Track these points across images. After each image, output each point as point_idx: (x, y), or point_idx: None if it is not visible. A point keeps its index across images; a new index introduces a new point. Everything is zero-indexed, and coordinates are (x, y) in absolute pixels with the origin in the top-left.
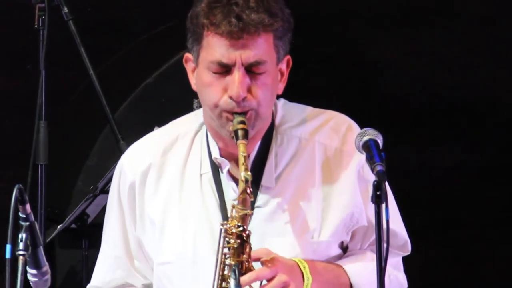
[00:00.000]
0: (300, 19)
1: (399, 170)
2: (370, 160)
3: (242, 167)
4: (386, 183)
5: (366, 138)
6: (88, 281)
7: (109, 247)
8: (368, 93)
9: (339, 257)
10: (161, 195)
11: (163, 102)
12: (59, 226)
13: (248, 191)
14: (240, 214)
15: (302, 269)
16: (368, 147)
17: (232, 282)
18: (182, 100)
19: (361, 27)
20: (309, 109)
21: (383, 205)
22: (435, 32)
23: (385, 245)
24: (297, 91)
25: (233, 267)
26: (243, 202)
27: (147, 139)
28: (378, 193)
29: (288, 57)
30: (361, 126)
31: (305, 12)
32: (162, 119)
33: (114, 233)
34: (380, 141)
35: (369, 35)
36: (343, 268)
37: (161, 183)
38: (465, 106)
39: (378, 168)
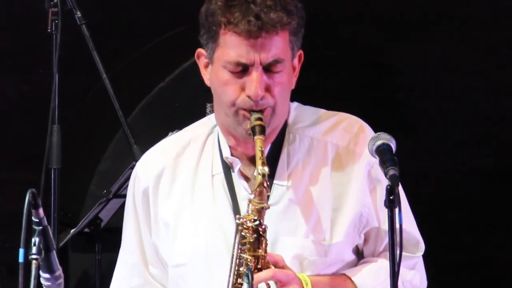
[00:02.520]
0: (313, 23)
1: (411, 174)
2: (383, 164)
3: (259, 161)
4: (400, 186)
5: (379, 142)
6: (101, 285)
7: (126, 254)
8: (380, 97)
9: (353, 263)
10: (174, 198)
11: (177, 106)
12: (72, 230)
13: (265, 184)
14: (257, 207)
15: (305, 285)
16: (381, 152)
17: (245, 286)
18: (195, 104)
19: (373, 31)
20: (322, 111)
21: (396, 210)
22: (447, 37)
23: (398, 251)
24: (309, 94)
25: (246, 271)
26: (260, 195)
27: (160, 144)
28: (391, 197)
29: (301, 51)
30: (374, 130)
31: (318, 16)
32: (176, 123)
33: (130, 240)
34: (393, 145)
35: (381, 39)
36: (352, 282)
37: (174, 186)
38: (478, 110)
39: (391, 172)
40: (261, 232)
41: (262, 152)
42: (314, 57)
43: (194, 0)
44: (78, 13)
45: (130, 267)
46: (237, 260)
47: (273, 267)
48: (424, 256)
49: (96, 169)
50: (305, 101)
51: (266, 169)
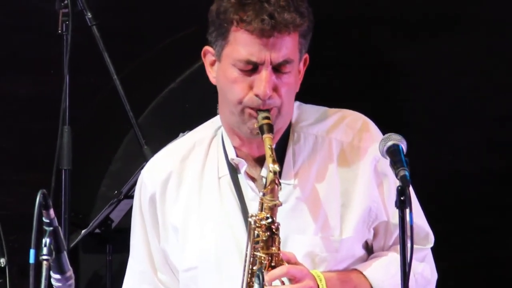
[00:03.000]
0: (322, 23)
1: (422, 175)
2: (394, 165)
3: (269, 159)
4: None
5: (390, 143)
6: (112, 286)
7: (135, 262)
8: (390, 98)
9: (364, 258)
10: (181, 202)
11: (187, 107)
12: (83, 231)
13: (277, 181)
14: (269, 205)
15: (318, 281)
16: (392, 152)
17: (256, 287)
18: (206, 105)
19: (383, 32)
20: (324, 109)
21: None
22: (455, 37)
23: (409, 245)
24: (317, 95)
25: (257, 272)
26: (271, 192)
27: (164, 150)
28: (402, 198)
29: (306, 55)
30: (384, 131)
31: (327, 17)
32: (186, 124)
33: (138, 247)
34: (404, 146)
35: (391, 40)
36: (363, 276)
37: (181, 190)
38: (488, 111)
39: (402, 173)
40: (274, 230)
41: (272, 149)
42: (323, 58)
43: (204, 1)
44: (89, 14)
45: (139, 275)
46: (251, 258)
47: (286, 264)
48: (435, 256)
49: (107, 170)
50: (313, 101)
51: (277, 166)
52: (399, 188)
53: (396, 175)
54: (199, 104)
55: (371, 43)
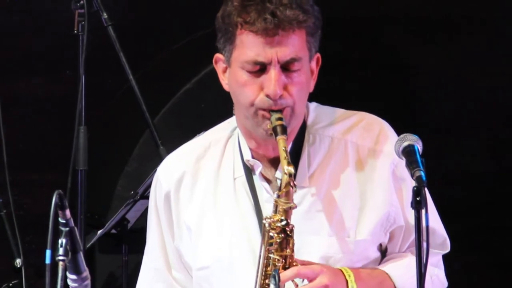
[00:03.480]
0: (336, 24)
1: (438, 175)
2: (410, 165)
3: (284, 161)
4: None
5: (405, 143)
6: (128, 286)
7: (149, 260)
8: (405, 99)
9: (378, 260)
10: (196, 201)
11: (203, 107)
12: (99, 232)
13: (292, 183)
14: (284, 207)
15: (347, 277)
16: (408, 153)
17: (272, 287)
18: (222, 106)
19: (397, 33)
20: (341, 111)
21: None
22: (471, 38)
23: (425, 245)
24: (332, 95)
25: (273, 273)
26: (286, 195)
27: (180, 149)
28: (418, 198)
29: (318, 55)
30: (399, 132)
31: (342, 17)
32: (202, 125)
33: (153, 245)
34: (419, 146)
35: (406, 40)
36: (386, 273)
37: (196, 190)
38: (503, 111)
39: (418, 173)
40: (288, 232)
41: (286, 151)
42: (339, 58)
43: (219, 2)
44: (105, 14)
45: (154, 272)
46: (265, 260)
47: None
48: (452, 257)
49: (123, 170)
50: (329, 102)
51: (292, 168)
52: (415, 188)
53: (412, 176)
54: (215, 104)
55: (385, 43)
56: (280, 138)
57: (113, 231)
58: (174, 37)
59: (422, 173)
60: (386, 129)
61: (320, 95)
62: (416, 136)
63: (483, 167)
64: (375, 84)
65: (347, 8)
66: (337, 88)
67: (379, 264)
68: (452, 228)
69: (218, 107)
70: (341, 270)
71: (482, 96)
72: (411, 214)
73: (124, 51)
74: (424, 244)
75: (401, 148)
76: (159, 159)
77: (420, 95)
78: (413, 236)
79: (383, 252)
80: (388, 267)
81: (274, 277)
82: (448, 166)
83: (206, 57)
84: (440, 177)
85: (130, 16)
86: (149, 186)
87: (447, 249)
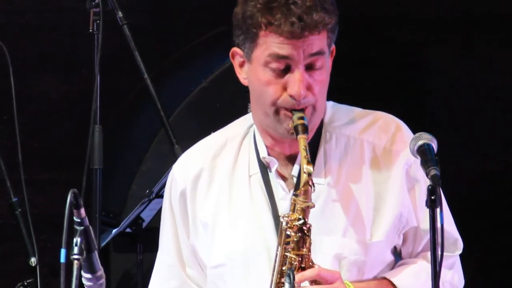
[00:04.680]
0: (352, 23)
1: (452, 174)
2: (424, 164)
3: (304, 160)
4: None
5: (420, 142)
6: (143, 285)
7: (163, 256)
8: (420, 97)
9: (392, 264)
10: (211, 199)
11: (218, 106)
12: (114, 231)
13: (311, 182)
14: (302, 206)
15: None
16: (422, 152)
17: (287, 286)
18: (236, 104)
19: (413, 31)
20: (358, 110)
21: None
22: (487, 36)
23: (439, 251)
24: (348, 94)
25: (288, 272)
26: (305, 193)
27: (196, 146)
28: (432, 197)
29: (333, 47)
30: (414, 131)
31: (358, 16)
32: (217, 123)
33: (167, 242)
34: (434, 145)
35: (421, 39)
36: (393, 285)
37: (212, 187)
38: None
39: (433, 172)
40: (305, 231)
41: (306, 150)
42: (355, 57)
43: (234, 1)
44: (120, 13)
45: (168, 269)
46: (281, 258)
47: (316, 266)
48: (464, 255)
49: (138, 169)
50: (344, 101)
51: (311, 168)
52: (430, 187)
53: (427, 174)
54: (230, 103)
55: (401, 42)
56: (301, 137)
57: (128, 230)
58: (189, 36)
59: (437, 172)
60: (403, 129)
61: (335, 93)
62: (431, 135)
63: (499, 166)
64: (389, 83)
65: (361, 7)
66: (351, 87)
67: (392, 268)
68: (468, 226)
69: (233, 105)
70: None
71: (498, 95)
72: (423, 215)
73: (139, 49)
74: (439, 250)
75: (416, 147)
76: (174, 158)
77: (435, 94)
78: (426, 239)
79: (398, 256)
80: (397, 278)
81: (289, 276)
82: (464, 165)
83: (221, 56)
84: (455, 175)
85: (145, 15)
86: (164, 185)
87: (459, 250)
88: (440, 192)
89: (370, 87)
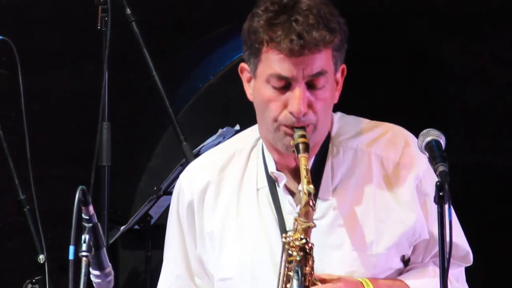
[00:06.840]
0: (363, 19)
1: (461, 170)
2: (432, 160)
3: (304, 180)
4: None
5: (428, 138)
6: (151, 281)
7: (170, 266)
8: (430, 93)
9: (400, 271)
10: (219, 212)
11: (226, 103)
12: (122, 227)
13: (311, 203)
14: (303, 226)
15: (366, 286)
16: (430, 148)
17: (295, 282)
18: (245, 101)
19: (424, 27)
20: (366, 121)
21: (446, 206)
22: (497, 32)
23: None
24: (361, 89)
25: (296, 268)
26: (305, 214)
27: (204, 157)
28: (441, 193)
29: (343, 65)
30: (423, 126)
31: (368, 12)
32: (225, 120)
33: (175, 253)
34: (442, 141)
35: (432, 35)
36: (407, 286)
37: (219, 200)
38: None
39: (441, 168)
40: (307, 250)
41: (307, 170)
42: (366, 54)
43: None
44: (128, 10)
45: (175, 279)
46: (284, 278)
47: (319, 284)
48: (474, 253)
49: (146, 166)
50: (355, 97)
51: (312, 187)
52: (438, 183)
53: (435, 171)
54: (238, 100)
55: (412, 38)
56: (302, 156)
57: (136, 226)
58: (197, 33)
59: (445, 168)
60: (411, 142)
61: (345, 91)
62: (439, 131)
63: (507, 162)
64: (401, 79)
65: (373, 2)
66: (366, 82)
67: (400, 274)
68: (476, 223)
69: (241, 102)
70: (360, 282)
71: (508, 91)
72: (433, 228)
73: (148, 46)
74: (447, 238)
75: (424, 143)
76: (182, 155)
77: (446, 90)
78: (435, 249)
79: (406, 262)
80: (410, 280)
81: (297, 272)
82: (473, 161)
83: (229, 52)
84: (465, 171)
85: (154, 12)
86: (172, 181)
87: (469, 262)
88: (448, 189)
89: (379, 83)
